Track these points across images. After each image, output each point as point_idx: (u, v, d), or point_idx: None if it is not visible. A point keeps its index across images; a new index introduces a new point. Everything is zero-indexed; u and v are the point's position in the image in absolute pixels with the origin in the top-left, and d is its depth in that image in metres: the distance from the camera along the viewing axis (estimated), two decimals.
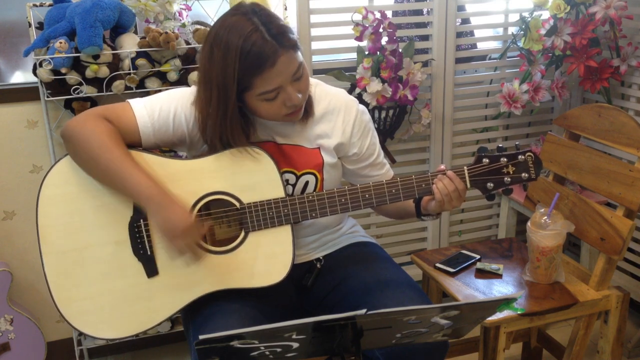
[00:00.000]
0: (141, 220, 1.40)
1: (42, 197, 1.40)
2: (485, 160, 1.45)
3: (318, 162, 1.50)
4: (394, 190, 1.44)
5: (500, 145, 1.48)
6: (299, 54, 1.37)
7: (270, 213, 1.41)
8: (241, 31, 1.30)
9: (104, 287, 1.40)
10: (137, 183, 1.33)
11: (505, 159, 1.45)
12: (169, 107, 1.44)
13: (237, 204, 1.42)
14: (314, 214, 1.43)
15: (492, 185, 1.46)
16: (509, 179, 1.46)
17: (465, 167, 1.45)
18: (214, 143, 1.42)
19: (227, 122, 1.38)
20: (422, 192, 1.45)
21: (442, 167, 1.46)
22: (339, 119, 1.52)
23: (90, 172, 1.39)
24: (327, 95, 1.53)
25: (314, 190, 1.51)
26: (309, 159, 1.50)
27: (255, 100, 1.38)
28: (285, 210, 1.42)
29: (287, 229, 1.43)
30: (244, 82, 1.34)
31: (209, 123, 1.40)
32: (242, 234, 1.43)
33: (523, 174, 1.46)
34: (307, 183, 1.50)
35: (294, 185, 1.50)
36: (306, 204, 1.42)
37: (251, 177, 1.42)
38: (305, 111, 1.48)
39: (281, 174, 1.43)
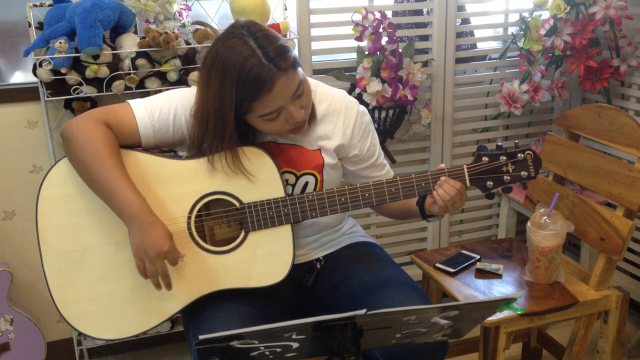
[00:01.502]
0: None
1: (42, 198, 1.40)
2: (485, 159, 1.45)
3: (318, 162, 1.50)
4: (393, 190, 1.44)
5: (499, 143, 1.48)
6: (299, 70, 1.36)
7: (270, 213, 1.41)
8: (238, 56, 1.29)
9: (104, 288, 1.40)
10: (123, 197, 1.32)
11: (504, 157, 1.45)
12: (169, 108, 1.44)
13: (237, 204, 1.42)
14: (314, 214, 1.43)
15: (491, 183, 1.46)
16: (508, 177, 1.46)
17: (464, 166, 1.45)
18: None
19: (225, 145, 1.38)
20: (421, 191, 1.45)
21: (442, 166, 1.46)
22: (339, 121, 1.51)
23: (82, 177, 1.39)
24: (327, 96, 1.53)
25: (314, 191, 1.51)
26: (309, 159, 1.50)
27: (257, 120, 1.38)
28: (286, 210, 1.42)
29: (287, 228, 1.43)
30: (243, 107, 1.34)
31: (205, 143, 1.40)
32: (242, 233, 1.42)
33: (522, 172, 1.46)
34: (306, 184, 1.50)
35: (293, 186, 1.50)
36: (306, 204, 1.42)
37: (251, 177, 1.41)
38: (309, 116, 1.48)
39: (281, 173, 1.42)
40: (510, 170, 1.46)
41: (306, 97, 1.39)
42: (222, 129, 1.35)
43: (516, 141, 1.48)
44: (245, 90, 1.30)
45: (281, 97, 1.33)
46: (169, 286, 1.36)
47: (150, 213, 1.33)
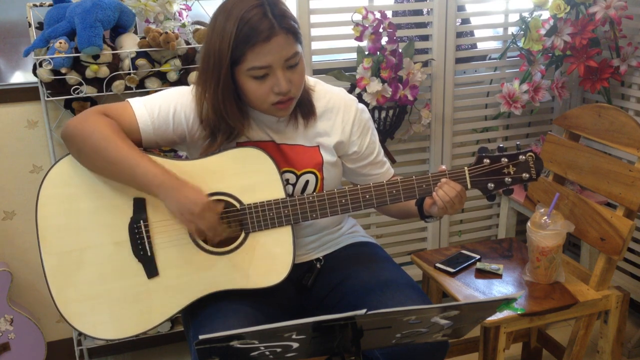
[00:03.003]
0: (141, 221, 1.40)
1: (42, 197, 1.40)
2: (486, 161, 1.45)
3: (317, 160, 1.50)
4: (394, 191, 1.44)
5: (500, 145, 1.48)
6: (298, 45, 1.38)
7: (271, 214, 1.41)
8: (246, 3, 1.33)
9: (104, 288, 1.40)
10: (147, 171, 1.34)
11: (506, 159, 1.45)
12: (168, 105, 1.44)
13: (238, 205, 1.42)
14: (314, 215, 1.43)
15: (492, 185, 1.46)
16: (509, 179, 1.46)
17: (466, 168, 1.45)
18: (210, 119, 1.42)
19: (220, 90, 1.38)
20: (422, 193, 1.45)
21: (443, 167, 1.46)
22: (338, 117, 1.52)
23: (96, 166, 1.38)
24: (326, 93, 1.53)
25: (315, 189, 1.51)
26: (308, 158, 1.50)
27: (244, 77, 1.37)
28: (286, 211, 1.42)
29: (287, 229, 1.43)
30: (237, 52, 1.34)
31: (205, 94, 1.41)
32: (243, 234, 1.42)
33: (524, 174, 1.46)
34: (307, 182, 1.50)
35: (294, 185, 1.50)
36: (306, 205, 1.42)
37: (251, 178, 1.42)
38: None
39: (281, 174, 1.43)
40: (512, 172, 1.46)
41: (298, 75, 1.40)
42: (219, 69, 1.36)
43: (517, 143, 1.48)
44: (244, 33, 1.32)
45: (274, 54, 1.34)
46: (223, 235, 1.39)
47: (175, 177, 1.36)
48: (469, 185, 1.45)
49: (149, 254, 1.40)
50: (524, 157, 1.45)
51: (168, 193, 1.34)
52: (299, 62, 1.39)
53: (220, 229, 1.38)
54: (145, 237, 1.40)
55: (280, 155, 1.48)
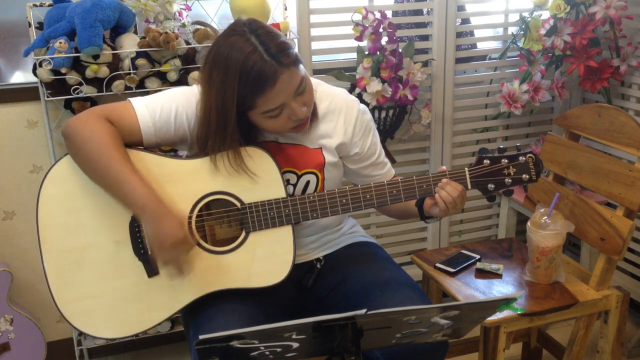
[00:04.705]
0: None
1: (43, 197, 1.40)
2: (486, 162, 1.45)
3: (319, 161, 1.50)
4: (395, 191, 1.44)
5: (501, 146, 1.48)
6: (301, 67, 1.36)
7: (271, 213, 1.41)
8: (240, 53, 1.29)
9: (104, 287, 1.40)
10: (133, 190, 1.32)
11: (506, 160, 1.45)
12: (170, 106, 1.44)
13: (238, 204, 1.42)
14: (314, 214, 1.43)
15: (492, 186, 1.46)
16: (509, 180, 1.46)
17: (466, 168, 1.46)
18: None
19: (227, 143, 1.38)
20: (423, 193, 1.45)
21: (443, 168, 1.46)
22: (340, 119, 1.52)
23: (88, 173, 1.38)
24: (328, 95, 1.53)
25: (315, 190, 1.51)
26: (310, 159, 1.50)
27: (259, 118, 1.38)
28: (287, 211, 1.42)
29: (288, 229, 1.43)
30: (246, 103, 1.34)
31: (209, 142, 1.39)
32: (243, 234, 1.43)
33: (524, 175, 1.46)
34: (308, 183, 1.50)
35: (294, 185, 1.50)
36: (307, 204, 1.42)
37: (252, 177, 1.41)
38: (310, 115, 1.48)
39: (282, 173, 1.43)
40: (512, 173, 1.46)
41: (308, 94, 1.39)
42: (224, 126, 1.35)
43: (517, 144, 1.49)
44: (248, 86, 1.30)
45: (284, 93, 1.33)
46: (182, 274, 1.37)
47: (160, 203, 1.34)
48: (469, 186, 1.45)
49: (149, 252, 1.40)
50: (524, 158, 1.45)
51: (148, 217, 1.33)
52: (306, 84, 1.38)
53: (182, 269, 1.36)
54: (145, 235, 1.40)
55: (282, 155, 1.48)
